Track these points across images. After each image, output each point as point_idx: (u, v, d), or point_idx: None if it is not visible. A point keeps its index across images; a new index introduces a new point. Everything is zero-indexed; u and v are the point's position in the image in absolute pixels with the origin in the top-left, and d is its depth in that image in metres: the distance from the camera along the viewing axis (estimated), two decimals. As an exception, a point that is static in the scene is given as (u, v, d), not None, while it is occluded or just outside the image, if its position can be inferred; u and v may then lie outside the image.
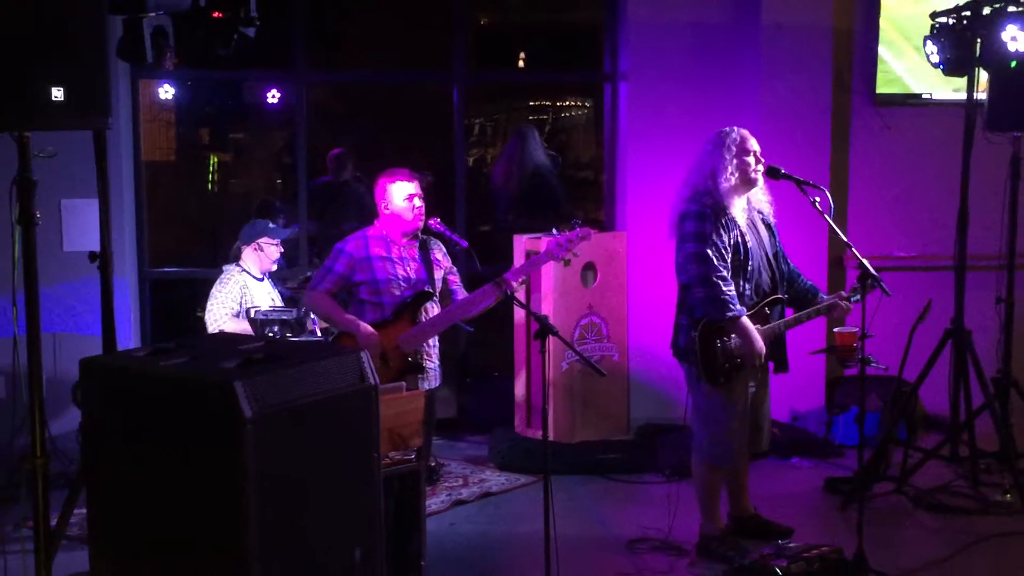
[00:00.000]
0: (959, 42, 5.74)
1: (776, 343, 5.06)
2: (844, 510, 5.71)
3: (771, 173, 5.08)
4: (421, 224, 5.46)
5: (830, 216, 4.94)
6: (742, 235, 4.94)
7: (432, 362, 5.58)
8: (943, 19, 5.86)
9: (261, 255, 6.29)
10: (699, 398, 5.02)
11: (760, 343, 4.89)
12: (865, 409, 5.00)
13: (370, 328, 5.27)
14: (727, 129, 5.04)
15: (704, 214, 4.87)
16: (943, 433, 6.34)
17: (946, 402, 6.21)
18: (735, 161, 4.94)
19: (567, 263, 5.44)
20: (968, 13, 5.72)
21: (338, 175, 8.57)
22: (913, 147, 7.35)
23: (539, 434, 4.87)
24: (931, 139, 7.23)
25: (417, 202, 5.44)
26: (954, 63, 5.85)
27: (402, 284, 5.42)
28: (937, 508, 5.75)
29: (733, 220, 4.92)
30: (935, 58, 5.88)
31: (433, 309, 5.53)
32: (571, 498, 5.92)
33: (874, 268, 4.85)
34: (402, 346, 5.35)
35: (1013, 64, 5.62)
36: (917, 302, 5.69)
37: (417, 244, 5.53)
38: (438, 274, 5.56)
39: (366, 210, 7.01)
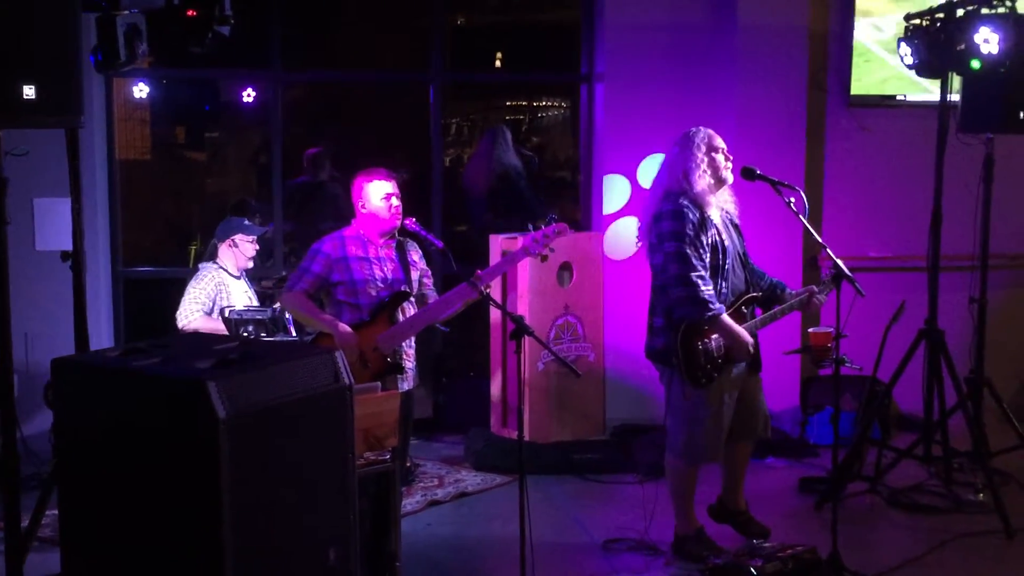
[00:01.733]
0: (933, 44, 5.77)
1: None
2: (819, 510, 5.74)
3: (746, 174, 5.09)
4: (399, 223, 5.44)
5: (805, 217, 4.95)
6: (719, 234, 4.95)
7: (410, 362, 5.58)
8: (917, 21, 5.89)
9: (236, 252, 6.26)
10: (677, 399, 5.02)
11: (746, 335, 4.91)
12: (839, 409, 5.02)
13: (348, 328, 5.26)
14: (694, 129, 5.05)
15: (681, 213, 4.86)
16: (917, 432, 6.36)
17: (920, 402, 6.24)
18: (706, 159, 4.95)
19: (544, 259, 5.45)
20: (942, 15, 5.75)
21: (315, 174, 8.54)
22: (887, 148, 7.40)
23: (515, 434, 4.86)
24: (905, 140, 7.27)
25: (394, 201, 5.42)
26: (928, 65, 5.88)
27: (379, 284, 5.39)
28: (911, 507, 5.78)
29: (710, 219, 4.92)
30: (909, 60, 5.91)
31: (410, 309, 5.52)
32: (547, 498, 5.92)
33: (848, 269, 4.86)
34: (381, 347, 5.34)
35: (977, 65, 5.65)
36: (891, 302, 5.72)
37: (394, 244, 5.52)
38: (415, 275, 5.55)
39: (343, 209, 6.98)
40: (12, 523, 4.04)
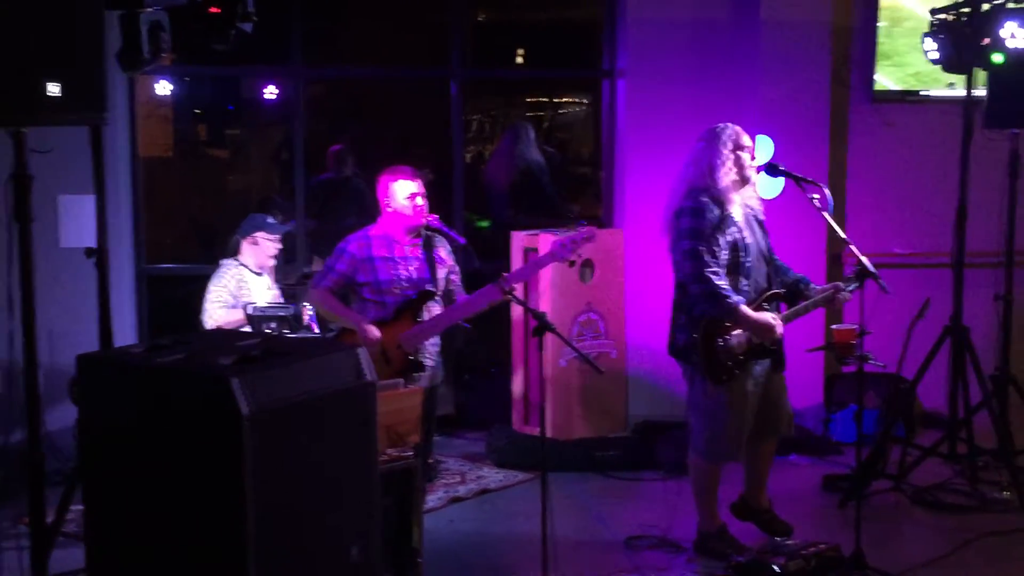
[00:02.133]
0: (958, 39, 5.73)
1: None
2: (842, 507, 5.71)
3: (770, 170, 5.07)
4: (424, 222, 5.44)
5: (829, 213, 4.93)
6: (740, 231, 4.92)
7: (431, 360, 5.58)
8: (942, 16, 5.85)
9: (256, 249, 6.27)
10: (699, 396, 5.01)
11: (769, 319, 4.87)
12: (863, 406, 5.00)
13: (372, 326, 5.27)
14: (721, 125, 5.02)
15: (700, 211, 4.85)
16: (941, 430, 6.33)
17: (944, 399, 6.21)
18: (732, 156, 4.92)
19: (572, 264, 5.44)
20: (967, 10, 5.71)
21: (339, 171, 8.55)
22: (911, 144, 7.35)
23: (537, 431, 4.87)
24: (930, 136, 7.22)
25: (420, 200, 5.43)
26: (953, 60, 5.84)
27: (404, 284, 5.41)
28: (935, 506, 5.75)
29: (731, 217, 4.90)
30: (934, 55, 5.88)
31: (435, 308, 5.52)
32: (569, 495, 5.91)
33: (872, 265, 4.84)
34: (404, 345, 5.36)
35: (1000, 59, 5.61)
36: (916, 299, 5.69)
37: (421, 242, 5.51)
38: (441, 272, 5.55)
39: (367, 206, 7.00)
40: (37, 518, 4.05)
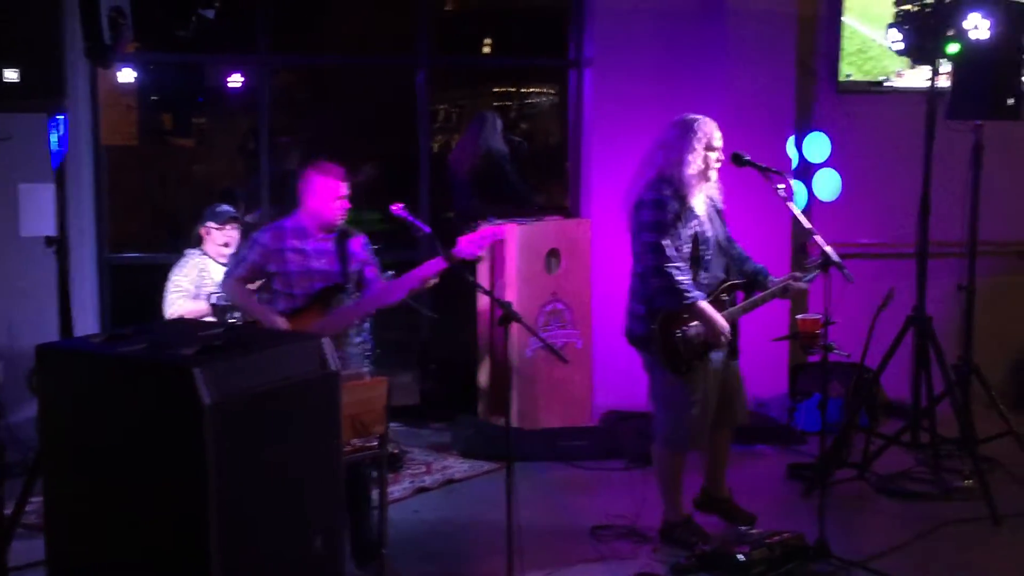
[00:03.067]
0: (923, 29, 5.76)
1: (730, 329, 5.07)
2: (806, 496, 5.74)
3: (735, 160, 5.07)
4: (340, 223, 5.39)
5: (793, 203, 4.95)
6: (701, 224, 4.94)
7: (354, 350, 5.57)
8: (907, 7, 5.88)
9: (208, 238, 6.20)
10: (660, 385, 5.03)
11: (723, 322, 4.91)
12: (827, 396, 5.02)
13: (280, 318, 5.23)
14: (694, 117, 5.01)
15: (662, 203, 4.87)
16: (904, 419, 6.38)
17: (908, 389, 6.25)
18: (704, 154, 4.94)
19: (479, 260, 5.44)
20: (932, 1, 5.74)
21: (282, 165, 8.41)
22: (876, 134, 7.39)
23: (503, 421, 4.86)
24: (894, 127, 7.25)
25: (344, 202, 5.38)
26: (917, 50, 5.87)
27: (315, 276, 5.33)
28: (898, 494, 5.79)
29: (692, 210, 4.91)
30: (899, 45, 5.90)
31: (347, 301, 5.50)
32: (535, 485, 5.90)
33: (837, 255, 4.85)
34: None
35: (958, 50, 5.65)
36: (880, 289, 5.72)
37: (334, 236, 5.47)
38: (353, 266, 5.49)
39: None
40: (-4, 510, 4.02)
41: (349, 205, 5.37)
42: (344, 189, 5.32)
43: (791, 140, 7.15)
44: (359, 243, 5.51)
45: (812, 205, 7.27)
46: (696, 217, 4.93)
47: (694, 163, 4.91)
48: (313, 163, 5.53)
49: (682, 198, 4.90)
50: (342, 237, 5.43)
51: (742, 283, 5.13)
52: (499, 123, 8.34)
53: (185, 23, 4.20)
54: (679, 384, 4.96)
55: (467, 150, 8.17)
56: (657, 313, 4.89)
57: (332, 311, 5.33)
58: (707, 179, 4.99)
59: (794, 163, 7.27)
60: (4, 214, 6.32)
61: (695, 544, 4.91)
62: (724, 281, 5.04)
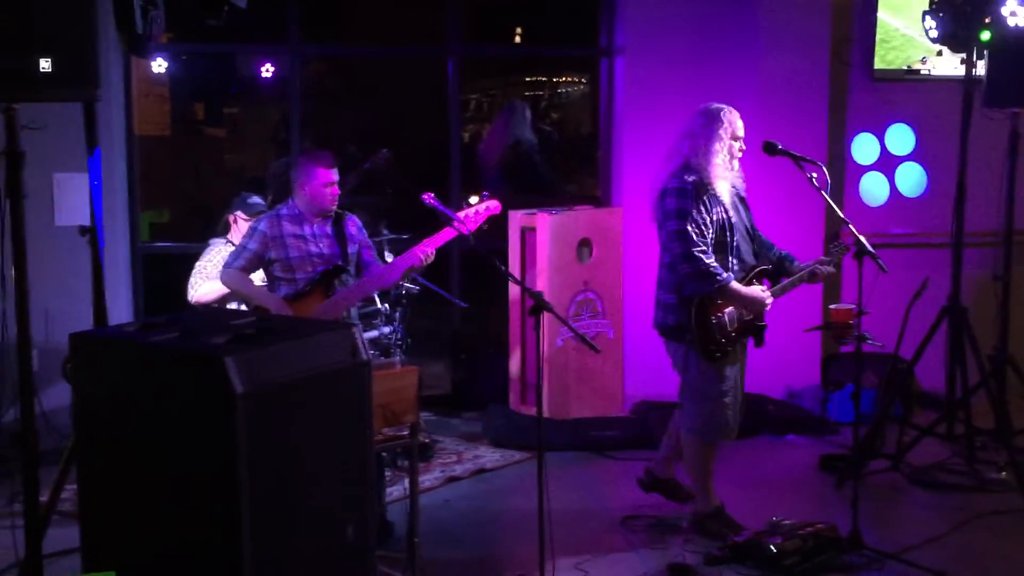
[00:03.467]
0: (958, 17, 5.70)
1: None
2: (839, 487, 5.70)
3: (768, 148, 5.04)
4: (334, 208, 5.51)
5: (827, 192, 4.91)
6: (725, 211, 4.94)
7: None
8: (942, -7, 5.82)
9: (235, 227, 6.23)
10: (692, 375, 5.02)
11: (759, 294, 4.92)
12: (861, 386, 4.98)
13: (283, 302, 5.31)
14: (719, 106, 5.00)
15: (685, 191, 4.86)
16: (939, 411, 6.33)
17: (942, 379, 6.20)
18: (729, 143, 4.94)
19: (473, 236, 5.49)
20: (968, -13, 5.68)
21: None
22: (911, 123, 7.32)
23: (533, 411, 4.84)
24: (929, 115, 7.19)
25: (335, 189, 5.50)
26: (953, 38, 5.81)
27: (315, 260, 5.44)
28: (932, 485, 5.75)
29: (717, 197, 4.91)
30: (933, 33, 5.85)
31: (348, 282, 5.56)
32: (565, 475, 5.91)
33: (871, 245, 4.81)
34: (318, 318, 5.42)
35: (989, 37, 5.58)
36: (914, 279, 5.68)
37: (331, 220, 5.57)
38: (352, 248, 5.59)
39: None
40: (31, 497, 4.05)
41: (339, 191, 5.50)
42: (335, 176, 5.45)
43: (862, 137, 7.04)
44: (355, 225, 5.62)
45: (846, 194, 7.20)
46: (721, 204, 4.92)
47: (720, 152, 4.92)
48: (304, 152, 5.59)
49: (707, 186, 4.89)
50: (337, 219, 5.55)
51: (769, 269, 5.10)
52: (528, 113, 8.34)
53: (217, 12, 4.22)
54: (712, 373, 4.94)
55: (496, 139, 8.18)
56: (689, 301, 4.88)
57: (334, 293, 5.42)
58: (732, 168, 4.99)
59: (875, 156, 7.21)
60: (40, 203, 6.36)
61: (727, 535, 4.90)
62: (754, 267, 5.02)
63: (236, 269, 5.41)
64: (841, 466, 5.86)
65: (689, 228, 4.81)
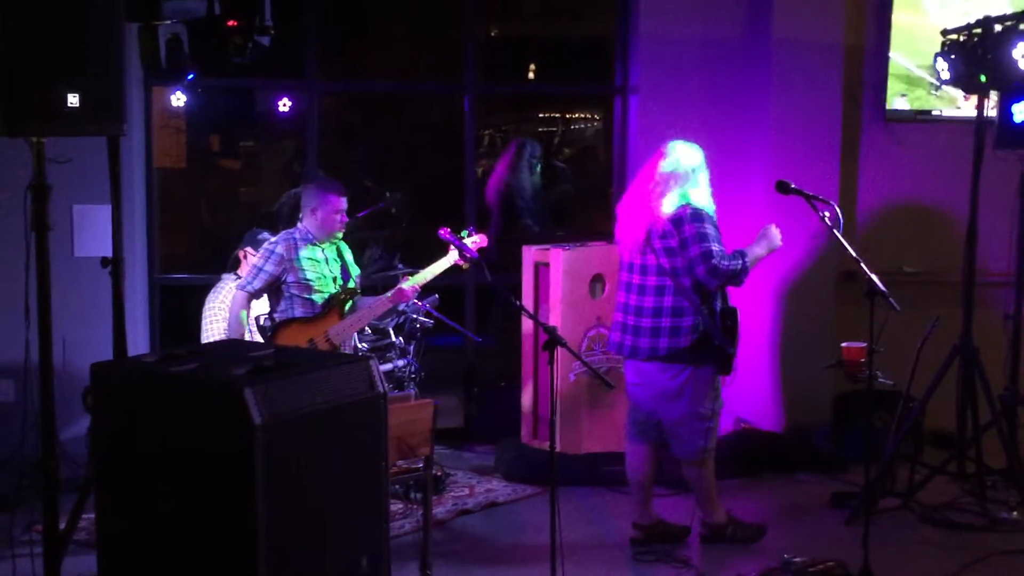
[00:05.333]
0: (970, 59, 5.75)
1: None
2: (850, 525, 5.70)
3: (780, 188, 5.11)
4: (341, 234, 5.86)
5: (839, 231, 4.95)
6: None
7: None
8: (954, 36, 5.87)
9: (245, 263, 6.28)
10: (701, 397, 5.14)
11: (766, 232, 5.24)
12: (872, 424, 5.00)
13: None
14: (685, 141, 5.37)
15: (700, 215, 5.07)
16: (950, 449, 6.33)
17: (953, 418, 6.21)
18: (704, 172, 5.26)
19: (467, 266, 5.90)
20: (979, 30, 5.73)
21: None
22: (923, 163, 7.37)
23: (546, 445, 4.88)
24: (941, 156, 7.24)
25: (344, 216, 5.84)
26: (965, 80, 5.86)
27: (330, 282, 5.76)
28: (944, 524, 5.74)
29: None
30: (945, 75, 5.90)
31: (357, 304, 5.89)
32: (577, 509, 5.92)
33: (883, 283, 4.85)
34: (332, 338, 5.69)
35: (984, 79, 5.68)
36: (925, 318, 5.70)
37: (335, 246, 5.91)
38: (354, 272, 5.95)
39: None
40: (50, 526, 4.08)
41: (347, 219, 5.83)
42: (344, 204, 5.78)
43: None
44: (349, 254, 5.97)
45: (858, 233, 7.23)
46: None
47: (706, 181, 5.24)
48: (316, 179, 6.10)
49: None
50: (338, 247, 5.92)
51: None
52: (527, 152, 8.44)
53: (242, 50, 4.29)
54: (717, 390, 5.17)
55: (498, 175, 8.33)
56: (707, 319, 5.04)
57: (348, 314, 5.72)
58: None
59: None
60: (60, 235, 6.41)
61: (752, 537, 5.19)
62: None
63: (249, 293, 5.68)
64: (852, 504, 5.87)
65: (711, 247, 4.98)
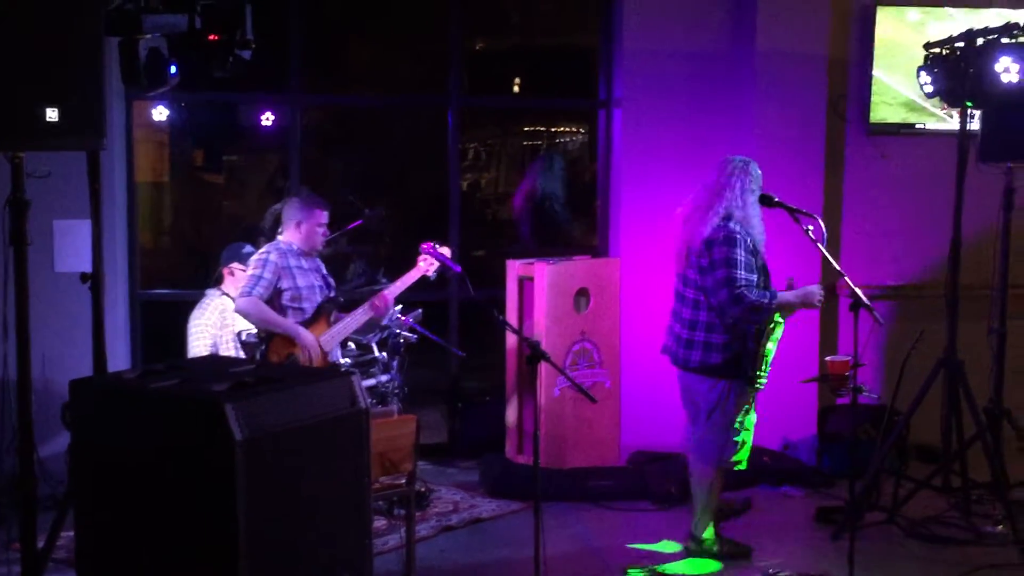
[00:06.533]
0: (953, 73, 5.76)
1: None
2: (836, 540, 5.68)
3: (764, 201, 5.12)
4: (321, 248, 5.94)
5: (823, 244, 4.95)
6: (763, 257, 5.20)
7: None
8: (936, 50, 5.89)
9: (233, 280, 6.25)
10: (728, 408, 5.21)
11: (809, 287, 5.19)
12: (857, 438, 4.99)
13: (308, 332, 5.67)
14: (746, 159, 5.25)
15: (734, 239, 5.05)
16: (935, 463, 6.33)
17: (938, 432, 6.20)
18: (756, 192, 5.18)
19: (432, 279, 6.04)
20: (962, 44, 5.75)
21: None
22: (907, 176, 7.38)
23: (530, 460, 4.86)
24: (925, 169, 7.25)
25: (327, 230, 5.94)
26: (947, 94, 5.87)
27: (317, 291, 5.83)
28: (929, 538, 5.73)
29: (757, 242, 5.16)
30: (928, 88, 5.91)
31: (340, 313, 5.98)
32: (562, 525, 5.89)
33: (867, 297, 4.85)
34: (323, 345, 5.73)
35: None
36: (910, 331, 5.70)
37: (314, 258, 5.99)
38: (332, 281, 6.03)
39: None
40: (28, 544, 4.04)
41: (329, 233, 5.95)
42: (327, 218, 5.89)
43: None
44: (322, 264, 6.05)
45: (842, 246, 7.24)
46: (758, 251, 5.15)
47: (752, 199, 5.15)
48: (300, 194, 6.22)
49: (747, 232, 5.08)
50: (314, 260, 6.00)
51: None
52: (556, 163, 8.59)
53: (223, 64, 4.27)
54: (742, 402, 5.17)
55: (530, 188, 8.51)
56: (740, 338, 5.07)
57: (333, 323, 5.83)
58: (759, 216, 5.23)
59: None
60: (40, 250, 6.37)
61: (735, 558, 5.26)
62: None
63: (256, 297, 5.66)
64: (837, 518, 5.86)
65: (737, 273, 4.98)
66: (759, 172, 5.25)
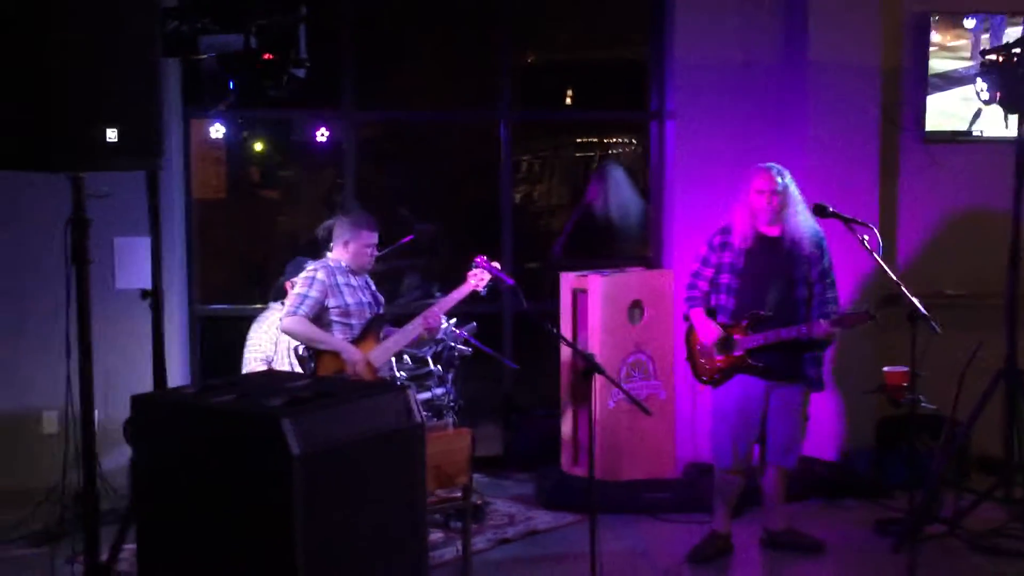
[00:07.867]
0: (1009, 79, 5.71)
1: None
2: (896, 552, 5.62)
3: (819, 211, 5.09)
4: (370, 268, 5.91)
5: (879, 254, 4.91)
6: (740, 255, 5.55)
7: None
8: (992, 56, 5.83)
9: (292, 294, 6.31)
10: (804, 409, 5.48)
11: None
12: (916, 449, 4.94)
13: (355, 348, 5.64)
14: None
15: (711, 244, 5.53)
16: (996, 474, 6.24)
17: (999, 443, 6.12)
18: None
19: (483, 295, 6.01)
20: (1018, 50, 5.69)
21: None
22: (964, 184, 7.30)
23: (586, 472, 4.86)
24: (982, 176, 7.17)
25: (375, 249, 5.89)
26: (1004, 100, 5.81)
27: (365, 308, 5.80)
28: (992, 551, 5.65)
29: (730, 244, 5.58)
30: (985, 95, 5.86)
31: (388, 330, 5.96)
32: (618, 538, 5.88)
33: (924, 306, 4.80)
34: (372, 362, 5.70)
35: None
36: (968, 341, 5.63)
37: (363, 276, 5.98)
38: (381, 298, 6.00)
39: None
40: (92, 557, 4.10)
41: (377, 253, 5.89)
42: (375, 238, 5.85)
43: None
44: (371, 281, 6.02)
45: (899, 255, 7.17)
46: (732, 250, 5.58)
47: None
48: (349, 212, 6.20)
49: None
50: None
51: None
52: (618, 174, 8.64)
53: (278, 82, 4.33)
54: None
55: (596, 200, 8.60)
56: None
57: (383, 339, 5.80)
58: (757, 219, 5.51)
59: None
60: (101, 267, 6.47)
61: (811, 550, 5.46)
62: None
63: (303, 316, 5.64)
64: (897, 530, 5.79)
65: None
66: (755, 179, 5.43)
